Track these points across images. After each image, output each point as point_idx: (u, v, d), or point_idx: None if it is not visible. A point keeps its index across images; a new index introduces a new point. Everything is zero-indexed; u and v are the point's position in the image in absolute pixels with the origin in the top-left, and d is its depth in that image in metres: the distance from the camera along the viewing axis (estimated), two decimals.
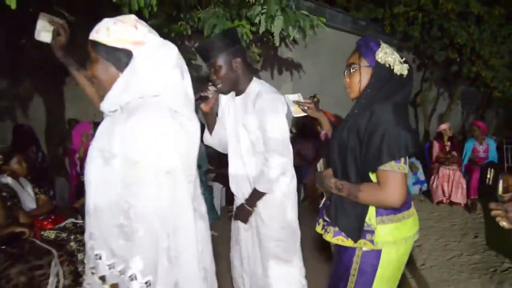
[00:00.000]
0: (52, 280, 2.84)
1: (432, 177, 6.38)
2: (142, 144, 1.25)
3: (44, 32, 1.74)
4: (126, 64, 1.34)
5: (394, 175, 1.58)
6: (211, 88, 2.28)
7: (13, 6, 1.75)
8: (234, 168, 2.46)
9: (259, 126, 2.26)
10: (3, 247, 2.80)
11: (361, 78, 1.77)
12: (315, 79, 7.73)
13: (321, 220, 1.88)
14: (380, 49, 1.73)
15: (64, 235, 3.14)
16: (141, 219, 1.24)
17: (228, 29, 2.82)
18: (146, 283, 1.24)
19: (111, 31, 1.33)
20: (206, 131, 2.52)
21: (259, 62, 6.19)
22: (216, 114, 2.55)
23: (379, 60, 1.71)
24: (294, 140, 3.56)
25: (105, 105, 1.37)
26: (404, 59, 1.77)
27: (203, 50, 2.30)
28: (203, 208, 1.52)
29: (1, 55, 5.92)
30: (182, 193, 1.34)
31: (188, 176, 1.39)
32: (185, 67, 1.42)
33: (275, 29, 3.80)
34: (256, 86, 2.33)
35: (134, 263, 1.23)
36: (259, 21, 3.91)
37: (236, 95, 2.39)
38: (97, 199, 1.31)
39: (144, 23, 1.41)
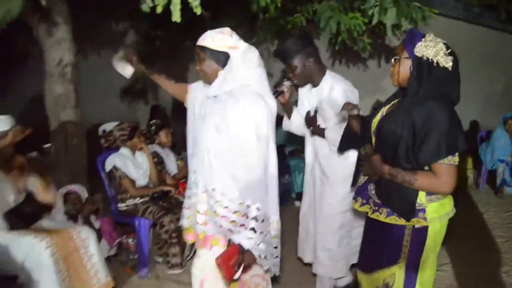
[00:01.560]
0: None
1: None
2: (248, 118, 1.85)
3: (125, 70, 2.30)
4: (225, 63, 1.91)
5: (449, 168, 1.77)
6: (286, 83, 2.66)
7: (176, 18, 2.26)
8: (309, 149, 2.91)
9: (334, 114, 2.62)
10: (159, 202, 3.51)
11: (399, 69, 1.88)
12: None
13: (359, 198, 2.10)
14: (421, 42, 1.82)
15: None
16: (250, 168, 1.83)
17: (300, 34, 3.16)
18: (257, 208, 1.82)
19: (215, 39, 1.92)
20: (285, 118, 2.97)
21: (370, 52, 6.44)
22: (294, 104, 2.96)
23: (417, 53, 1.81)
24: None
25: (211, 91, 1.96)
26: (449, 50, 1.81)
27: (280, 53, 2.73)
28: None
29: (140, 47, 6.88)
30: (272, 151, 1.95)
31: (273, 139, 1.97)
32: (264, 68, 1.98)
33: (388, 20, 4.01)
34: (329, 79, 2.72)
35: (247, 197, 1.83)
36: (373, 13, 4.15)
37: (313, 86, 2.79)
38: (212, 159, 1.89)
39: (235, 34, 1.98)
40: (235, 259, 1.81)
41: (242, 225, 1.83)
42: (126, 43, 7.54)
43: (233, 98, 1.88)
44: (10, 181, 2.70)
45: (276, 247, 2.06)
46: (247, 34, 7.12)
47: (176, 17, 2.04)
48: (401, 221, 1.89)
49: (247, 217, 1.83)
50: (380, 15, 4.05)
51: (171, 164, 4.02)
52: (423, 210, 1.86)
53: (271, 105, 1.95)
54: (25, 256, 2.56)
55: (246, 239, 1.82)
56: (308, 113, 2.82)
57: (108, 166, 3.45)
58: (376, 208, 1.98)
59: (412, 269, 1.94)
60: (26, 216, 2.76)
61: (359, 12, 4.52)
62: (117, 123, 3.63)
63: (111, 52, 7.64)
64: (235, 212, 1.84)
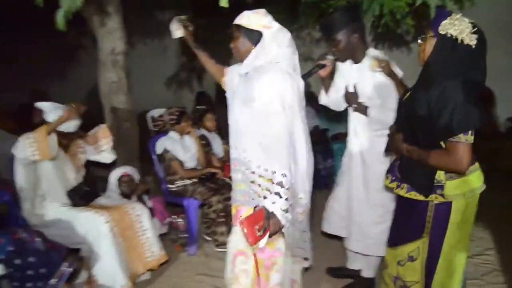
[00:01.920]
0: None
1: None
2: (273, 89, 1.93)
3: (176, 30, 2.40)
4: (257, 41, 1.99)
5: (463, 146, 1.77)
6: (329, 57, 2.61)
7: (224, 4, 2.31)
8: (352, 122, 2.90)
9: (377, 93, 2.63)
10: (207, 182, 3.68)
11: (425, 47, 1.90)
12: None
13: (389, 175, 2.13)
14: (446, 20, 1.81)
15: None
16: (275, 136, 1.91)
17: (349, 7, 3.09)
18: (282, 174, 1.88)
19: (250, 18, 2.01)
20: (322, 92, 2.95)
21: (412, 34, 6.32)
22: (332, 78, 2.92)
23: (441, 31, 1.81)
24: None
25: (243, 68, 2.07)
26: (475, 28, 1.78)
27: (326, 25, 2.71)
28: None
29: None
30: (298, 121, 2.01)
31: (300, 112, 2.04)
32: (295, 48, 2.07)
33: (432, 2, 3.96)
34: (372, 55, 2.68)
35: (273, 163, 1.91)
36: None
37: (354, 63, 2.77)
38: (241, 128, 2.04)
39: (269, 14, 2.04)
40: (261, 224, 1.84)
41: (268, 190, 1.91)
42: (160, 30, 7.76)
43: (260, 72, 1.98)
44: (70, 160, 2.93)
45: (304, 231, 2.16)
46: (288, 20, 7.17)
47: (224, 2, 2.13)
48: (420, 197, 1.94)
49: (272, 183, 1.89)
50: None
51: (218, 147, 4.17)
52: (441, 187, 1.90)
53: (297, 80, 2.05)
54: (87, 230, 2.79)
55: (271, 203, 1.89)
56: (346, 89, 2.80)
57: (159, 149, 3.64)
58: (399, 183, 2.04)
59: (436, 244, 1.97)
60: (85, 194, 2.98)
61: None
62: (164, 109, 3.80)
63: (157, 41, 7.97)
64: (260, 176, 1.94)
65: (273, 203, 1.89)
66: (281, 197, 1.88)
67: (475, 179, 1.93)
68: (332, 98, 2.92)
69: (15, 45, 8.23)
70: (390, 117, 2.54)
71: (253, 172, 1.98)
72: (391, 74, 2.55)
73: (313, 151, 2.13)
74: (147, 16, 7.30)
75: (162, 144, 3.63)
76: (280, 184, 1.89)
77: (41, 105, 2.99)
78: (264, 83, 1.94)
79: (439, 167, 1.87)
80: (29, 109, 4.78)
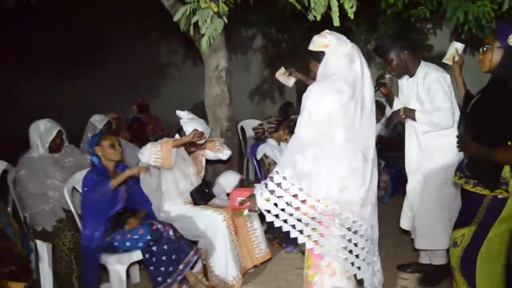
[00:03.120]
0: None
1: None
2: (307, 102, 2.06)
3: (288, 81, 2.87)
4: (321, 59, 2.18)
5: None
6: (387, 75, 2.95)
7: (336, 23, 2.63)
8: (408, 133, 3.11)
9: (429, 99, 2.87)
10: None
11: (492, 56, 2.10)
12: None
13: (458, 173, 2.30)
14: None
15: None
16: (292, 143, 2.09)
17: (396, 29, 3.31)
18: (283, 177, 2.00)
19: (314, 42, 2.23)
20: (388, 107, 3.23)
21: None
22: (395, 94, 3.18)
23: (510, 43, 2.01)
24: None
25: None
26: None
27: (378, 50, 3.06)
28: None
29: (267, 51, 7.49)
30: (334, 131, 2.06)
31: (345, 127, 2.08)
32: (357, 55, 2.17)
33: None
34: (423, 68, 2.96)
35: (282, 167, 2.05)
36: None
37: (409, 76, 3.03)
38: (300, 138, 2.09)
39: (332, 32, 2.23)
40: (243, 199, 2.10)
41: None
42: (254, 47, 8.27)
43: (311, 85, 2.13)
44: (193, 163, 3.36)
45: (366, 250, 2.15)
46: (368, 30, 7.35)
47: (336, 22, 2.42)
48: (486, 192, 2.10)
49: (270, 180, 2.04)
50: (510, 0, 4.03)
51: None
52: (506, 183, 2.05)
53: (344, 91, 2.08)
54: (206, 226, 3.16)
55: (260, 191, 2.04)
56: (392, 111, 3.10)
57: (259, 154, 3.99)
58: (467, 180, 2.21)
59: (480, 234, 2.13)
60: (205, 194, 3.37)
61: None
62: (252, 120, 4.13)
63: (240, 57, 8.48)
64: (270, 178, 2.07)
65: (261, 189, 2.05)
66: (267, 187, 2.03)
67: None
68: None
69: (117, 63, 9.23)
70: (437, 117, 2.83)
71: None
72: (459, 71, 2.79)
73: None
74: (233, 33, 7.80)
75: (262, 150, 3.97)
76: (273, 179, 2.03)
77: (179, 113, 3.46)
78: (307, 94, 2.09)
79: (505, 163, 2.04)
80: (139, 121, 5.38)
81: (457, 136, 2.31)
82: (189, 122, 3.37)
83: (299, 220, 2.05)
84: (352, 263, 2.11)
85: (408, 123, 3.08)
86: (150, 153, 3.18)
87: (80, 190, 3.01)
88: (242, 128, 5.50)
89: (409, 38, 3.12)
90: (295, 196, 2.04)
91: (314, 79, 2.32)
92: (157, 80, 9.63)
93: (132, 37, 9.26)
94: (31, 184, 3.19)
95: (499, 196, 2.07)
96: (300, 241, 2.07)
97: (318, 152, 2.06)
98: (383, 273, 2.33)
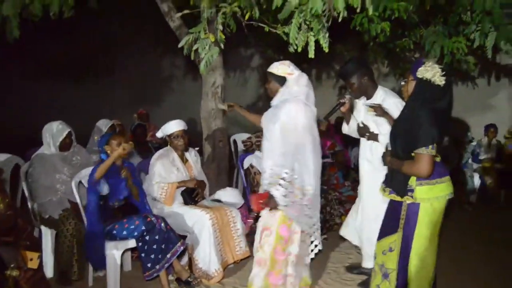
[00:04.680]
0: None
1: None
2: (291, 114, 2.79)
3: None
4: (283, 83, 2.89)
5: (424, 157, 2.34)
6: (347, 96, 3.39)
7: (311, 55, 3.14)
8: (362, 147, 3.55)
9: (386, 122, 3.20)
10: None
11: (408, 87, 2.54)
12: None
13: (382, 184, 2.69)
14: (422, 67, 2.42)
15: None
16: (288, 145, 2.80)
17: (358, 58, 3.78)
18: (285, 172, 2.81)
19: (278, 68, 2.92)
20: (344, 124, 3.67)
21: (475, 70, 6.71)
22: (352, 112, 3.63)
23: (418, 75, 2.42)
24: None
25: (274, 102, 2.96)
26: (444, 72, 2.37)
27: (342, 74, 3.53)
28: None
29: (264, 69, 7.95)
30: (308, 136, 2.84)
31: (311, 130, 2.86)
32: (311, 86, 2.93)
33: (488, 43, 4.36)
34: (381, 93, 3.39)
35: (282, 165, 2.83)
36: (474, 37, 4.56)
37: (367, 99, 3.44)
38: (267, 141, 2.93)
39: (292, 64, 2.94)
40: (264, 201, 2.83)
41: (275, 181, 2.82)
42: (252, 65, 8.76)
43: (284, 103, 2.84)
44: (185, 172, 3.80)
45: (310, 216, 2.96)
46: (359, 56, 7.84)
47: (311, 54, 2.91)
48: (397, 198, 2.52)
49: (280, 178, 2.81)
50: (480, 39, 4.44)
51: None
52: (412, 190, 2.46)
53: (312, 108, 2.91)
54: (194, 223, 3.58)
55: (275, 190, 2.80)
56: (358, 125, 3.50)
57: (246, 164, 4.42)
58: (385, 188, 2.65)
59: (408, 238, 2.50)
60: (194, 196, 3.80)
61: (463, 36, 4.86)
62: (244, 133, 4.56)
63: (238, 74, 8.97)
64: (271, 176, 2.83)
65: (276, 190, 2.80)
66: (282, 186, 2.80)
67: (441, 189, 2.48)
68: (352, 128, 3.63)
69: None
70: None
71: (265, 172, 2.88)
72: (384, 114, 3.19)
73: None
74: (233, 53, 8.29)
75: (249, 161, 4.40)
76: (283, 178, 2.80)
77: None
78: (286, 109, 2.81)
79: (410, 174, 2.44)
80: (143, 128, 5.83)
81: (383, 153, 2.73)
82: (168, 124, 3.86)
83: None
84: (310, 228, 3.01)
85: (363, 144, 3.55)
86: (157, 191, 3.66)
87: (86, 185, 3.43)
88: (234, 141, 5.94)
89: (368, 66, 3.56)
90: (298, 188, 2.85)
91: (272, 95, 2.95)
92: (159, 91, 10.16)
93: (140, 50, 9.80)
94: (42, 177, 3.64)
95: (408, 202, 2.48)
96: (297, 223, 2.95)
97: (301, 153, 2.83)
98: None
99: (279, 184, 2.80)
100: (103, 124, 4.67)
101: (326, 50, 3.03)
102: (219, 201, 4.00)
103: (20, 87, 11.14)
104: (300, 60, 3.42)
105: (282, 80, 2.89)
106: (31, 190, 3.73)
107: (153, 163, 3.73)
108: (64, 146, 3.79)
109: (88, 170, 3.45)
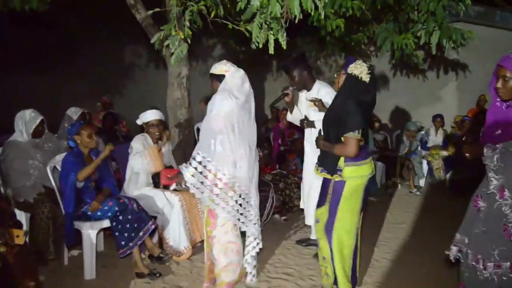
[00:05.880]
0: (269, 201, 4.66)
1: None
2: (214, 103, 3.01)
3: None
4: (222, 80, 3.13)
5: (351, 140, 2.70)
6: (290, 88, 3.84)
7: (271, 51, 3.42)
8: (306, 132, 4.00)
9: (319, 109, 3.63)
10: None
11: (339, 79, 2.88)
12: (481, 78, 8.28)
13: (316, 164, 3.01)
14: (352, 64, 2.78)
15: (276, 177, 4.97)
16: (208, 131, 3.03)
17: (298, 55, 4.12)
18: (202, 156, 3.00)
19: (216, 67, 3.18)
20: (288, 113, 4.12)
21: (423, 64, 7.19)
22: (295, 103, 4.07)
23: (349, 71, 2.78)
24: None
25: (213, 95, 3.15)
26: (370, 71, 2.74)
27: (285, 68, 3.97)
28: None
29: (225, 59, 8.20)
30: (235, 123, 3.03)
31: (232, 125, 3.03)
32: (247, 79, 3.18)
33: (433, 41, 4.79)
34: (317, 85, 3.90)
35: (199, 149, 3.04)
36: (421, 35, 4.98)
37: (308, 91, 3.92)
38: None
39: (229, 62, 3.24)
40: (172, 175, 3.18)
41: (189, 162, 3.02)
42: (214, 55, 8.96)
43: (215, 94, 3.08)
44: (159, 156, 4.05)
45: (236, 208, 3.12)
46: (317, 49, 8.23)
47: (271, 51, 3.22)
48: (328, 176, 2.85)
49: (193, 159, 3.00)
50: (426, 36, 4.87)
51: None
52: (341, 170, 2.80)
53: (240, 98, 3.06)
54: (164, 204, 3.84)
55: (184, 168, 3.01)
56: (302, 120, 3.98)
57: None
58: (317, 167, 2.97)
59: (333, 211, 2.84)
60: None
61: (411, 33, 5.17)
62: None
63: (202, 63, 9.16)
64: (193, 158, 3.02)
65: (186, 167, 3.00)
66: (196, 169, 2.98)
67: (364, 169, 2.84)
68: (295, 117, 4.10)
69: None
70: None
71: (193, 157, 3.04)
72: (322, 108, 3.60)
73: None
74: (196, 43, 8.45)
75: None
76: (198, 160, 2.98)
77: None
78: (212, 100, 3.05)
79: (339, 154, 2.77)
80: (114, 116, 5.98)
81: (316, 137, 3.05)
82: (147, 112, 4.09)
83: (211, 190, 3.02)
84: (239, 219, 3.15)
85: (307, 131, 4.01)
86: (142, 159, 3.91)
87: (60, 169, 3.62)
88: (198, 128, 6.16)
89: (307, 61, 4.05)
90: (209, 170, 3.00)
91: (214, 91, 3.18)
92: (121, 80, 10.22)
93: (101, 38, 9.81)
94: (15, 162, 3.80)
95: (337, 180, 2.82)
96: (204, 203, 3.15)
97: (224, 138, 3.00)
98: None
99: (190, 164, 2.99)
100: (73, 112, 4.80)
101: (285, 47, 3.34)
102: None
103: None
104: (262, 52, 3.78)
105: (221, 78, 3.15)
106: (5, 176, 3.87)
107: (132, 144, 4.00)
108: (37, 133, 3.95)
109: (61, 156, 3.65)
